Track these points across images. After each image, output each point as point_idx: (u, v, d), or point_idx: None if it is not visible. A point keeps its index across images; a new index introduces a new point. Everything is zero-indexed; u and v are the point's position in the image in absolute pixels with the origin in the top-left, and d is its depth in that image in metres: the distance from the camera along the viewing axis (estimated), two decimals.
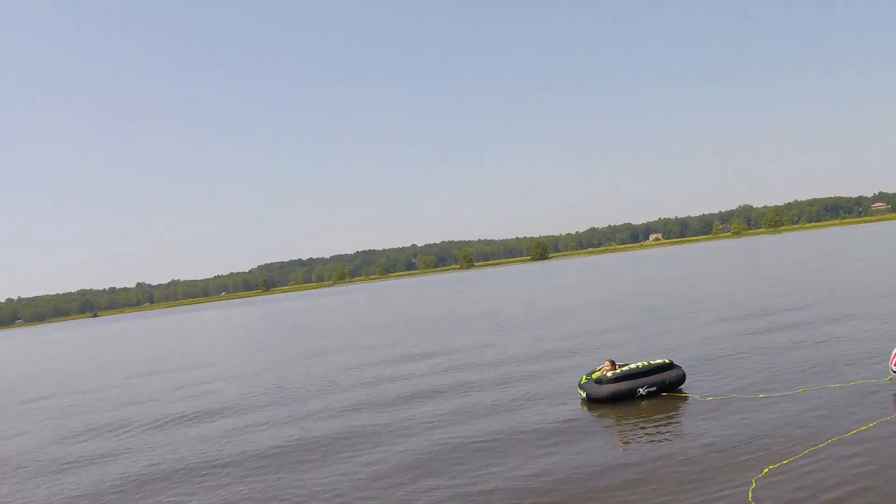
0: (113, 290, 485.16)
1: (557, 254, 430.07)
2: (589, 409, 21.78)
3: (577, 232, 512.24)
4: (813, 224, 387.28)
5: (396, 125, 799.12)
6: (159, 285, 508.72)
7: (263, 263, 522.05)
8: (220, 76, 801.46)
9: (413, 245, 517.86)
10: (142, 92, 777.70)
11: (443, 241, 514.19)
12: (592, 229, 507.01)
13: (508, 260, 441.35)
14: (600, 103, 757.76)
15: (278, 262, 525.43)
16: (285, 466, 19.29)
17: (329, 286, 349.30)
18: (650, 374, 22.31)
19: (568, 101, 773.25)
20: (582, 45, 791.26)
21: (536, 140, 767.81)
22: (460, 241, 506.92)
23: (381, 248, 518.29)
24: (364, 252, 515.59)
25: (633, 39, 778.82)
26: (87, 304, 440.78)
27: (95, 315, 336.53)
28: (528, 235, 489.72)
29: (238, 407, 29.28)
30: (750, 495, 13.21)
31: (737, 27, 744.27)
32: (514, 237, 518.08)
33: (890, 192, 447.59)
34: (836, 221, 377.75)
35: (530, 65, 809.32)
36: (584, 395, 22.74)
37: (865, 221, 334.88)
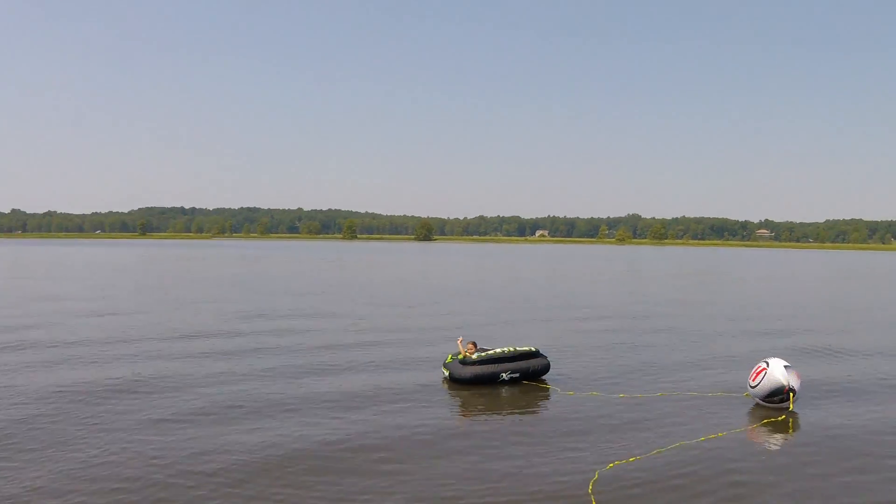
0: None
1: (442, 237, 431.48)
2: (449, 389, 21.83)
3: (465, 217, 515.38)
4: (696, 241, 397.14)
5: (303, 77, 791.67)
6: (34, 214, 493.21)
7: (144, 207, 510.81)
8: None
9: (299, 209, 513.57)
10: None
11: (329, 209, 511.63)
12: (481, 217, 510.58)
13: (392, 236, 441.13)
14: (510, 95, 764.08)
15: (159, 207, 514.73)
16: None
17: (208, 238, 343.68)
18: (515, 360, 22.40)
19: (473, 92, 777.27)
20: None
21: (434, 118, 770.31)
22: (347, 212, 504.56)
23: (266, 207, 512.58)
24: (249, 209, 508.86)
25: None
26: None
27: None
28: (416, 215, 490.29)
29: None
30: (590, 487, 13.44)
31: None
32: (401, 214, 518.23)
33: (775, 220, 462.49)
34: (720, 242, 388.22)
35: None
36: (447, 373, 22.76)
37: (747, 245, 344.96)
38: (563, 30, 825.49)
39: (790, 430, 17.71)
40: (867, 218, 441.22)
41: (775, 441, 17.02)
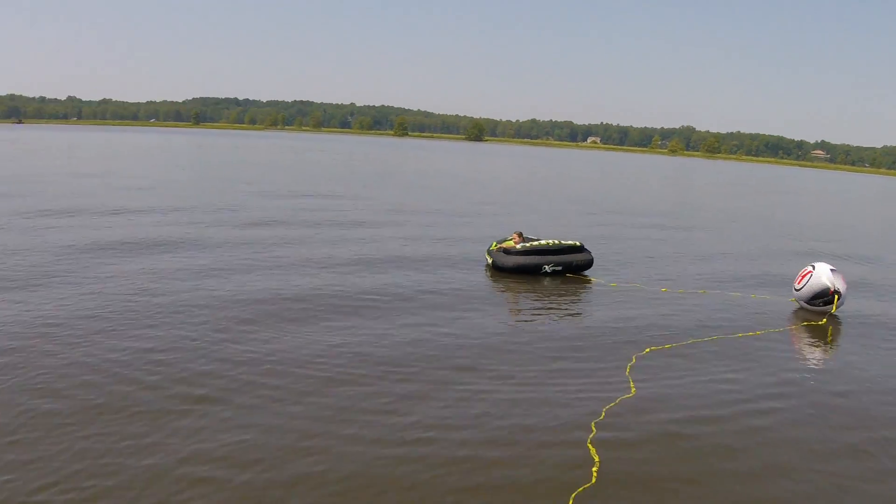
0: (43, 99, 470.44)
1: (493, 138, 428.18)
2: (492, 277, 22.04)
3: (517, 120, 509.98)
4: (750, 157, 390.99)
5: None
6: (90, 102, 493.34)
7: (198, 97, 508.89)
8: None
9: (352, 104, 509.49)
10: None
11: (382, 105, 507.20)
12: (533, 121, 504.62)
13: (443, 135, 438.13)
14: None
15: (213, 98, 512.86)
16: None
17: (261, 130, 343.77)
18: (558, 253, 22.53)
19: None
20: None
21: (496, 16, 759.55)
22: (399, 109, 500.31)
23: (318, 101, 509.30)
24: (301, 102, 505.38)
25: None
26: (14, 110, 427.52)
27: (20, 122, 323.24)
28: (468, 115, 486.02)
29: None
30: (627, 370, 13.74)
31: None
32: (453, 114, 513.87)
33: (832, 142, 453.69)
34: (774, 160, 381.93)
35: None
36: (490, 261, 22.95)
37: (802, 165, 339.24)
38: None
39: (829, 333, 17.71)
40: None
41: (812, 342, 17.11)
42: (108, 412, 10.78)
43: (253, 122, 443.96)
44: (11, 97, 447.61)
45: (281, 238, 26.43)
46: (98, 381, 11.82)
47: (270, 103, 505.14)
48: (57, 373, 12.09)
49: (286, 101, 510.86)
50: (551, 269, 22.29)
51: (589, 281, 22.16)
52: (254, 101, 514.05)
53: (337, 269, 21.81)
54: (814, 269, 19.44)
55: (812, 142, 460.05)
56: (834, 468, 10.24)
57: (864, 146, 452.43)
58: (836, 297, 18.89)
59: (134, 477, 9.01)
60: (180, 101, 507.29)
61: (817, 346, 16.85)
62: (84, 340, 13.75)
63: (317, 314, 16.60)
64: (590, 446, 10.28)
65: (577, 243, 23.12)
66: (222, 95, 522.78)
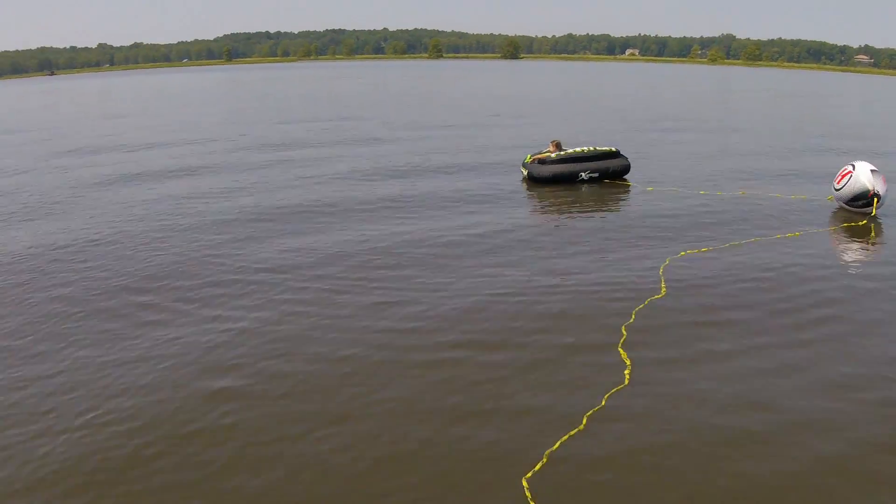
0: (73, 48, 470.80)
1: (529, 55, 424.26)
2: (528, 188, 21.99)
3: (553, 36, 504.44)
4: (791, 63, 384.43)
5: None
6: (121, 47, 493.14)
7: (229, 33, 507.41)
8: None
9: (385, 29, 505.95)
10: None
11: (415, 29, 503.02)
12: (570, 35, 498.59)
13: (478, 55, 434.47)
14: None
15: (244, 33, 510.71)
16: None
17: (294, 61, 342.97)
18: (594, 160, 22.42)
19: None
20: None
21: None
22: (433, 31, 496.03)
23: (350, 29, 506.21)
24: (334, 31, 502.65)
25: None
26: (45, 63, 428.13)
27: (52, 73, 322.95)
28: (504, 33, 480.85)
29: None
30: (661, 270, 13.79)
31: None
32: (488, 33, 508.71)
33: (876, 46, 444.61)
34: (816, 65, 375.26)
35: None
36: (525, 173, 22.87)
37: (845, 70, 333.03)
38: None
39: (870, 234, 17.40)
40: None
41: (850, 243, 16.87)
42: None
43: (286, 54, 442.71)
44: (42, 50, 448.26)
45: (329, 155, 26.82)
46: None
47: (302, 34, 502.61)
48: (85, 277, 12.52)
49: (318, 30, 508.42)
50: (588, 177, 22.19)
51: (626, 186, 22.05)
52: (286, 33, 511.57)
53: (384, 177, 22.82)
54: (853, 168, 19.06)
55: (855, 46, 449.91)
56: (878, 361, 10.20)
57: None
58: (876, 199, 18.52)
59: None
60: (211, 38, 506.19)
61: (858, 246, 16.62)
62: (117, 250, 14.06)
63: (370, 215, 17.82)
64: (620, 350, 10.29)
65: (613, 149, 22.99)
66: (253, 30, 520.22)
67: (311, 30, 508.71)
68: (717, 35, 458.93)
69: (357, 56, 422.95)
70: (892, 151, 32.21)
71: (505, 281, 13.33)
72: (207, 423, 8.56)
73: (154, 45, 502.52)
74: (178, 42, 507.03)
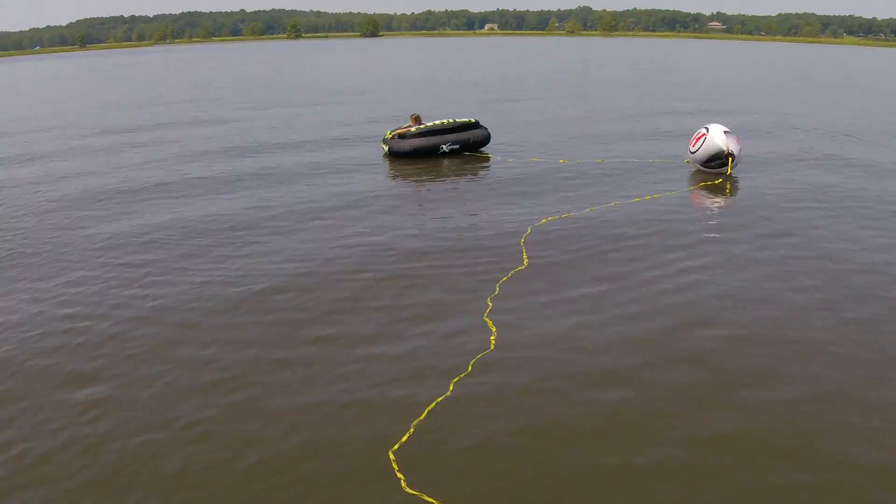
0: None
1: (389, 32, 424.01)
2: (390, 164, 21.85)
3: (412, 13, 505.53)
4: (647, 32, 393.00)
5: None
6: None
7: (82, 18, 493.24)
8: None
9: (242, 10, 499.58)
10: None
11: (273, 10, 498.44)
12: (429, 12, 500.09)
13: (338, 34, 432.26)
14: None
15: (98, 18, 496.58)
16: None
17: (149, 46, 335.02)
18: (455, 132, 22.42)
19: None
20: None
21: None
22: (291, 11, 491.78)
23: (207, 11, 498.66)
24: (189, 13, 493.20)
25: None
26: None
27: None
28: (363, 11, 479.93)
29: None
30: (522, 239, 13.87)
31: None
32: (347, 11, 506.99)
33: (727, 13, 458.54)
34: (671, 34, 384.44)
35: None
36: (386, 149, 22.75)
37: (699, 37, 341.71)
38: None
39: (726, 192, 18.02)
40: (820, 12, 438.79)
41: (707, 201, 17.35)
42: None
43: (141, 38, 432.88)
44: None
45: (185, 135, 25.95)
46: None
47: (158, 17, 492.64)
48: None
49: (173, 13, 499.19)
50: (448, 148, 22.20)
51: (487, 158, 22.14)
52: (140, 17, 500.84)
53: (242, 154, 21.60)
54: (707, 131, 19.61)
55: (708, 14, 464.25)
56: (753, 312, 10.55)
57: (760, 15, 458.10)
58: (731, 158, 19.14)
59: None
60: (64, 24, 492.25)
61: (714, 205, 17.11)
62: None
63: (227, 186, 16.39)
64: (486, 319, 10.32)
65: (473, 120, 23.07)
66: (107, 14, 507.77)
67: (167, 13, 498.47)
68: (573, 7, 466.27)
69: (214, 38, 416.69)
70: (743, 111, 33.26)
71: (365, 251, 13.35)
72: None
73: (5, 32, 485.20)
74: (30, 29, 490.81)
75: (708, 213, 16.47)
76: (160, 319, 10.53)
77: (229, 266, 12.68)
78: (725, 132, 19.42)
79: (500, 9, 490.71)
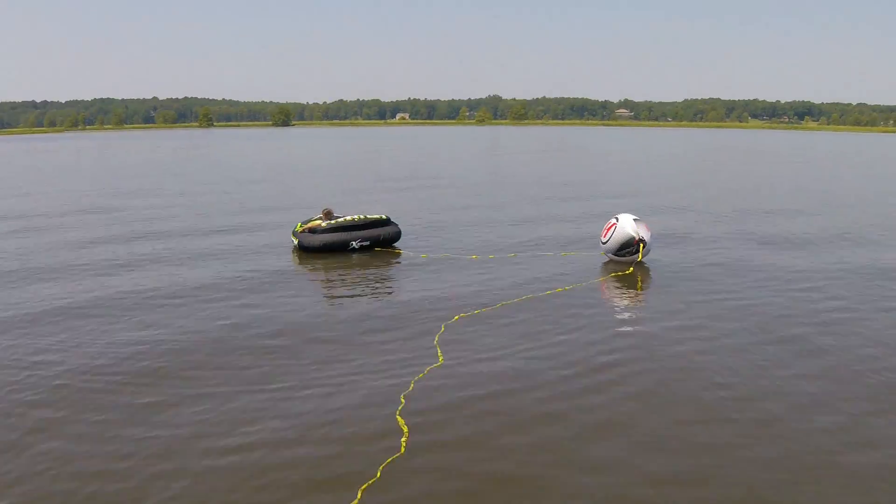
0: None
1: (301, 122, 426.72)
2: (300, 259, 21.57)
3: (324, 102, 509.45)
4: (556, 121, 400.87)
5: None
6: None
7: None
8: None
9: (154, 98, 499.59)
10: None
11: (185, 97, 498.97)
12: (340, 101, 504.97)
13: (249, 123, 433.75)
14: None
15: (9, 102, 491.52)
16: None
17: (61, 132, 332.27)
18: (365, 228, 22.32)
19: None
20: None
21: (294, 4, 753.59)
22: (204, 99, 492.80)
23: (120, 98, 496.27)
24: (101, 100, 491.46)
25: None
26: None
27: None
28: (276, 100, 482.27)
29: None
30: (436, 339, 13.66)
31: None
32: (259, 101, 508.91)
33: (635, 100, 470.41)
34: (580, 121, 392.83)
35: None
36: (296, 242, 22.52)
37: (607, 124, 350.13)
38: None
39: (637, 282, 18.25)
40: (725, 97, 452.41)
41: (619, 291, 17.52)
42: None
43: (52, 124, 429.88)
44: None
45: (59, 241, 25.23)
46: None
47: (70, 103, 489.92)
48: None
49: (86, 99, 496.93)
50: (359, 245, 22.03)
51: (398, 254, 22.00)
52: (52, 102, 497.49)
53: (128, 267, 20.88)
54: (618, 220, 19.91)
55: (616, 101, 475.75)
56: (663, 416, 10.45)
57: (666, 101, 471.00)
58: (641, 245, 19.41)
59: None
60: None
61: (626, 295, 17.29)
62: None
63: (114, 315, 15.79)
64: (399, 418, 10.09)
65: (384, 216, 22.99)
66: (19, 98, 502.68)
67: (79, 99, 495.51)
68: (484, 96, 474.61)
69: (126, 126, 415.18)
70: (650, 196, 33.83)
71: (278, 358, 12.81)
72: None
73: None
74: None
75: (620, 303, 16.59)
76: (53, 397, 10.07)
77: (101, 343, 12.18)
78: (635, 220, 19.76)
79: (412, 98, 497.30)
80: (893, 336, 13.76)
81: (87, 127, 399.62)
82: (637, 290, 17.71)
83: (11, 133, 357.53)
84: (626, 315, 15.79)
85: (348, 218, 22.52)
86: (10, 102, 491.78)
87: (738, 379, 11.60)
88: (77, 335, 14.06)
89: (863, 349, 12.97)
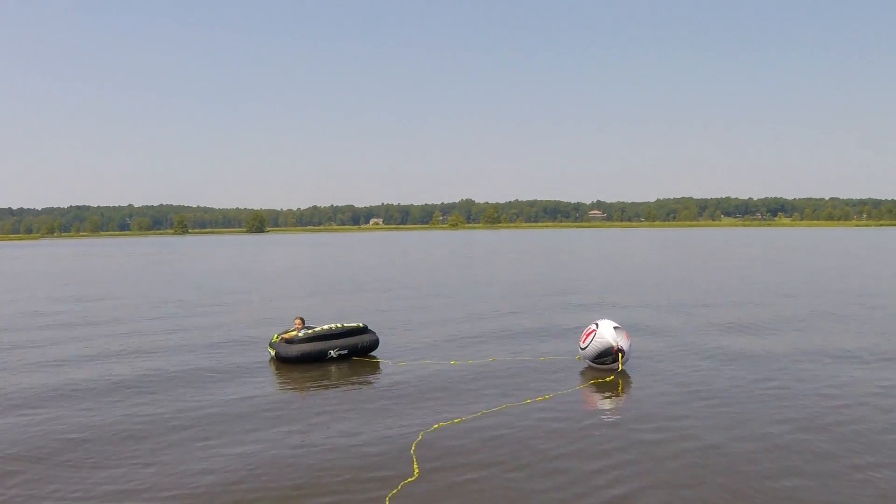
0: None
1: (275, 228, 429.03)
2: (277, 371, 21.35)
3: (298, 208, 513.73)
4: (529, 224, 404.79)
5: (117, 81, 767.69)
6: None
7: None
8: None
9: (130, 205, 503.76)
10: None
11: (161, 205, 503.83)
12: (314, 207, 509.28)
13: (224, 230, 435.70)
14: (337, 80, 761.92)
15: None
16: None
17: (37, 238, 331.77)
18: (342, 337, 22.21)
19: (307, 73, 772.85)
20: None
21: (265, 108, 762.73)
22: (179, 206, 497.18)
23: (96, 205, 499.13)
24: (78, 207, 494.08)
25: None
26: None
27: None
28: (250, 207, 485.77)
29: None
30: (412, 448, 13.56)
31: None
32: (234, 207, 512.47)
33: (607, 201, 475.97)
34: (553, 223, 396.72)
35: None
36: (272, 353, 22.39)
37: (580, 226, 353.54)
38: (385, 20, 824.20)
39: (618, 390, 18.10)
40: (697, 196, 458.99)
41: (600, 401, 17.34)
42: None
43: (29, 230, 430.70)
44: None
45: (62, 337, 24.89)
46: None
47: (46, 210, 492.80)
48: None
49: (62, 206, 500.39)
50: (336, 354, 21.92)
51: (377, 362, 21.87)
52: (29, 209, 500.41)
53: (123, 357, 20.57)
54: (597, 327, 19.88)
55: (588, 202, 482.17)
56: None
57: (639, 201, 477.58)
58: (621, 354, 19.38)
59: None
60: None
61: (605, 403, 17.13)
62: None
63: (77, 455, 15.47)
64: None
65: (361, 325, 22.93)
66: None
67: (55, 206, 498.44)
68: (457, 201, 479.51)
69: (102, 233, 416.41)
70: (631, 304, 33.87)
71: (247, 462, 12.90)
72: None
73: None
74: None
75: (600, 413, 16.33)
76: None
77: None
78: (615, 328, 19.72)
79: (385, 203, 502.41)
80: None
81: (63, 234, 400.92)
82: (619, 396, 17.57)
83: None
84: (612, 425, 15.58)
85: (325, 327, 22.44)
86: None
87: (742, 486, 11.59)
88: None
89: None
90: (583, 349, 20.17)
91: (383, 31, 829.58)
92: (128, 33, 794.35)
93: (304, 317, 23.64)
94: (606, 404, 16.98)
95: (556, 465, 12.60)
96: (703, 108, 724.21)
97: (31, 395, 18.40)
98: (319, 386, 19.33)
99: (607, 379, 18.89)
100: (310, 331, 22.18)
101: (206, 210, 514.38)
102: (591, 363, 20.08)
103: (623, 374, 19.36)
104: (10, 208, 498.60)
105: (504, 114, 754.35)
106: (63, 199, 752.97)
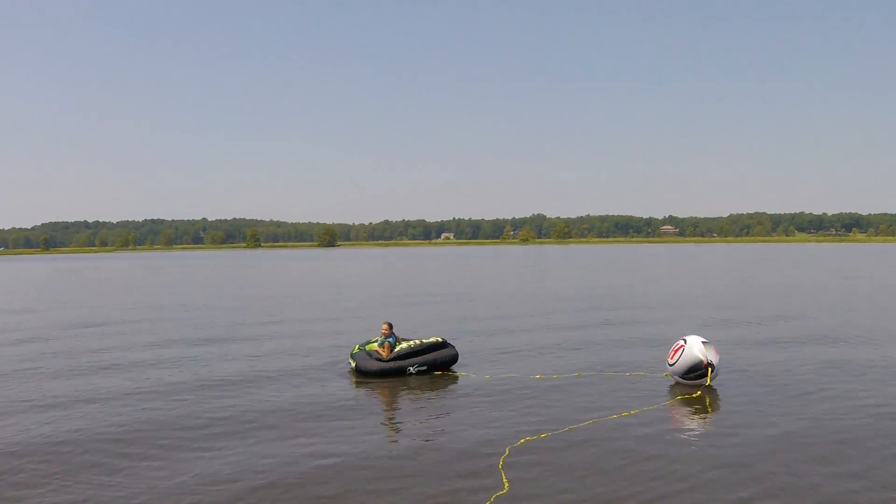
0: None
1: (346, 242, 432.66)
2: (356, 382, 21.32)
3: (370, 223, 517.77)
4: (600, 239, 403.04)
5: (194, 97, 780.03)
6: None
7: (48, 221, 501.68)
8: None
9: (204, 219, 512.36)
10: None
11: (234, 219, 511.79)
12: (386, 222, 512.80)
13: (296, 244, 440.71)
14: (409, 97, 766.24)
15: (63, 222, 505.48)
16: None
17: (112, 251, 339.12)
18: (422, 353, 22.12)
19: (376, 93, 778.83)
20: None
21: (340, 129, 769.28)
22: (252, 220, 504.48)
23: (170, 219, 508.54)
24: (153, 220, 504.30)
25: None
26: None
27: None
28: (321, 221, 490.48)
29: None
30: (500, 462, 13.40)
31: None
32: (306, 221, 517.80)
33: (679, 216, 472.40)
34: (624, 239, 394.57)
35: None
36: (354, 364, 22.37)
37: (652, 241, 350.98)
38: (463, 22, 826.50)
39: (707, 406, 17.74)
40: (770, 211, 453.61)
41: (688, 416, 17.03)
42: None
43: (104, 243, 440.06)
44: None
45: (113, 363, 25.16)
46: None
47: (121, 224, 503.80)
48: None
49: (136, 220, 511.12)
50: (416, 370, 21.79)
51: (458, 376, 21.70)
52: (104, 222, 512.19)
53: (177, 393, 20.56)
54: (685, 342, 19.55)
55: (660, 217, 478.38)
56: None
57: (711, 217, 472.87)
58: (710, 369, 19.02)
59: None
60: (29, 227, 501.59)
61: (694, 419, 16.76)
62: None
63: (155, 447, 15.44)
64: None
65: (440, 339, 22.80)
66: (72, 219, 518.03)
67: (130, 219, 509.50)
68: (528, 215, 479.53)
69: (175, 246, 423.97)
70: (715, 318, 33.34)
71: (327, 470, 12.59)
72: None
73: None
74: None
75: (689, 430, 15.92)
76: None
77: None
78: (704, 342, 19.38)
79: (456, 218, 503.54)
80: None
81: (137, 247, 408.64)
82: (707, 413, 17.21)
83: (64, 251, 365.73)
84: (701, 443, 15.20)
85: (404, 346, 22.35)
86: (63, 222, 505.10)
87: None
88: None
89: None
90: (671, 365, 19.83)
91: (456, 46, 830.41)
92: (203, 45, 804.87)
93: (391, 322, 23.53)
94: (695, 422, 16.58)
95: (645, 485, 12.30)
96: (777, 122, 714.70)
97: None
98: (405, 397, 19.38)
99: (694, 395, 18.55)
100: (394, 349, 22.14)
101: (278, 224, 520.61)
102: (679, 379, 19.71)
103: (710, 389, 18.97)
104: (85, 221, 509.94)
105: (577, 128, 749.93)
106: (138, 213, 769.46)
